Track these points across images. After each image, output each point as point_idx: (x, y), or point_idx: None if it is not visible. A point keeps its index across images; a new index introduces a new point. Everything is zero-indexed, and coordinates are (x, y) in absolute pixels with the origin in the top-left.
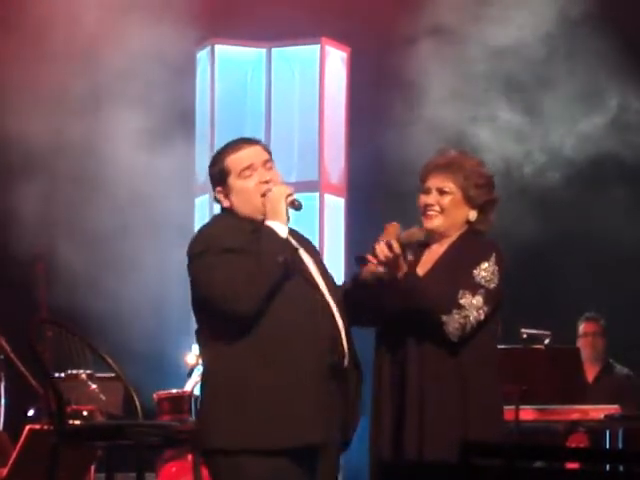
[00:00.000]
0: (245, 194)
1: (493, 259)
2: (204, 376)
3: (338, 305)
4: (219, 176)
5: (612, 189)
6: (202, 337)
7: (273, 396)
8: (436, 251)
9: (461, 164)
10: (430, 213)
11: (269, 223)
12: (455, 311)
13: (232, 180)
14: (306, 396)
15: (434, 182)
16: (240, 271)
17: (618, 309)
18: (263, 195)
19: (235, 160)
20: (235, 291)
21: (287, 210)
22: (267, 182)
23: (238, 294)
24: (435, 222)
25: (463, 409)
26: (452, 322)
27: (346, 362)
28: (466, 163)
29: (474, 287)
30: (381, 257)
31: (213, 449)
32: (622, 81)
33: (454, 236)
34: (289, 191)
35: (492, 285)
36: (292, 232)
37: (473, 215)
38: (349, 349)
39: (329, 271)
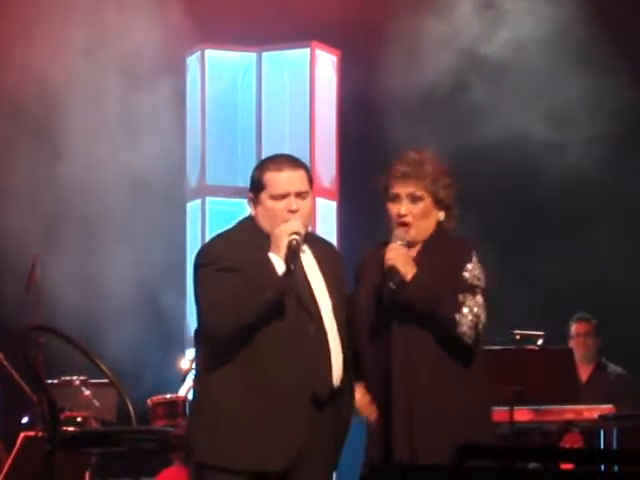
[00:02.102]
0: (269, 214)
1: (475, 257)
2: (194, 386)
3: (339, 329)
4: (255, 185)
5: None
6: (197, 345)
7: (246, 419)
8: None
9: (425, 168)
10: (405, 227)
11: (270, 255)
12: (467, 309)
13: (263, 196)
14: (278, 423)
15: (403, 189)
16: (229, 293)
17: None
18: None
19: (272, 180)
20: (217, 311)
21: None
22: (293, 212)
23: (218, 315)
24: (411, 234)
25: (456, 409)
26: (465, 321)
27: (335, 387)
28: (429, 165)
29: (471, 288)
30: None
31: (194, 462)
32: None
33: (424, 238)
34: (294, 229)
35: (483, 283)
36: (313, 239)
37: (442, 215)
38: (343, 378)
39: (341, 288)
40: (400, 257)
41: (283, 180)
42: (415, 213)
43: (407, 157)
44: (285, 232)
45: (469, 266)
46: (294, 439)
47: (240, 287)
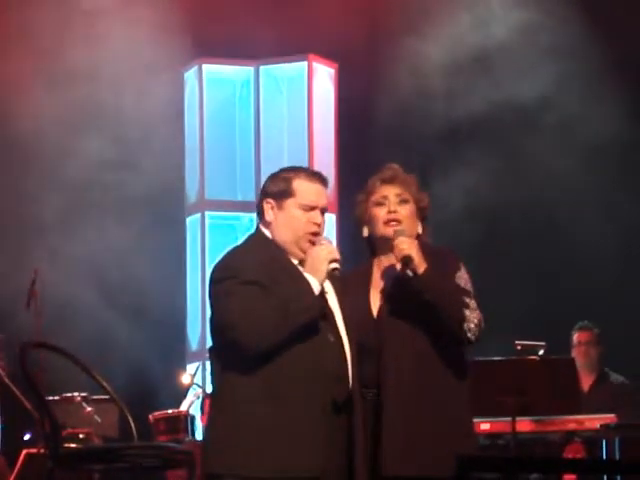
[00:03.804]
0: (294, 223)
1: (462, 266)
2: (211, 399)
3: (351, 342)
4: (279, 192)
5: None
6: (214, 360)
7: (266, 428)
8: (391, 265)
9: (412, 179)
10: (393, 223)
11: (307, 276)
12: (471, 309)
13: (290, 203)
14: (300, 432)
15: (392, 190)
16: (260, 307)
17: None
18: (311, 239)
19: (304, 189)
20: (253, 327)
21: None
22: (318, 225)
23: (254, 330)
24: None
25: (448, 418)
26: (472, 317)
27: (351, 393)
28: (414, 179)
29: (467, 293)
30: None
31: (207, 473)
32: None
33: None
34: (336, 256)
35: (472, 290)
36: None
37: (420, 228)
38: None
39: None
40: (414, 248)
41: (315, 192)
42: (403, 214)
43: (391, 166)
44: (325, 257)
45: (458, 274)
46: (318, 446)
47: (272, 303)
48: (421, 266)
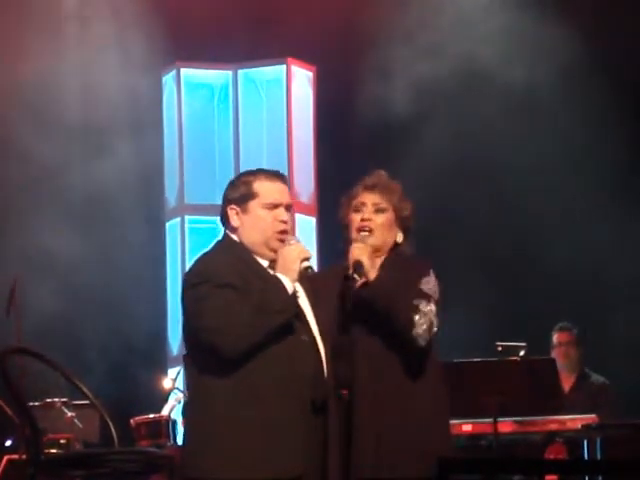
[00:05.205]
0: (261, 224)
1: (432, 273)
2: (188, 403)
3: (324, 341)
4: (242, 196)
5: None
6: (188, 365)
7: (245, 430)
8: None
9: (395, 187)
10: (364, 233)
11: (280, 276)
12: (421, 313)
13: (254, 205)
14: (279, 433)
15: (370, 198)
16: (235, 309)
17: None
18: (280, 238)
19: (266, 189)
20: (226, 327)
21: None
22: (284, 222)
23: (228, 331)
24: (371, 240)
25: (415, 419)
26: (420, 323)
27: (327, 392)
28: (397, 185)
29: (426, 296)
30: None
31: (186, 477)
32: None
33: (381, 258)
34: (307, 255)
35: (437, 295)
36: None
37: (400, 237)
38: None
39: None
40: (366, 254)
41: (277, 190)
42: (377, 223)
43: (377, 173)
44: (297, 256)
45: (425, 279)
46: (298, 447)
47: (247, 306)
48: (371, 273)
